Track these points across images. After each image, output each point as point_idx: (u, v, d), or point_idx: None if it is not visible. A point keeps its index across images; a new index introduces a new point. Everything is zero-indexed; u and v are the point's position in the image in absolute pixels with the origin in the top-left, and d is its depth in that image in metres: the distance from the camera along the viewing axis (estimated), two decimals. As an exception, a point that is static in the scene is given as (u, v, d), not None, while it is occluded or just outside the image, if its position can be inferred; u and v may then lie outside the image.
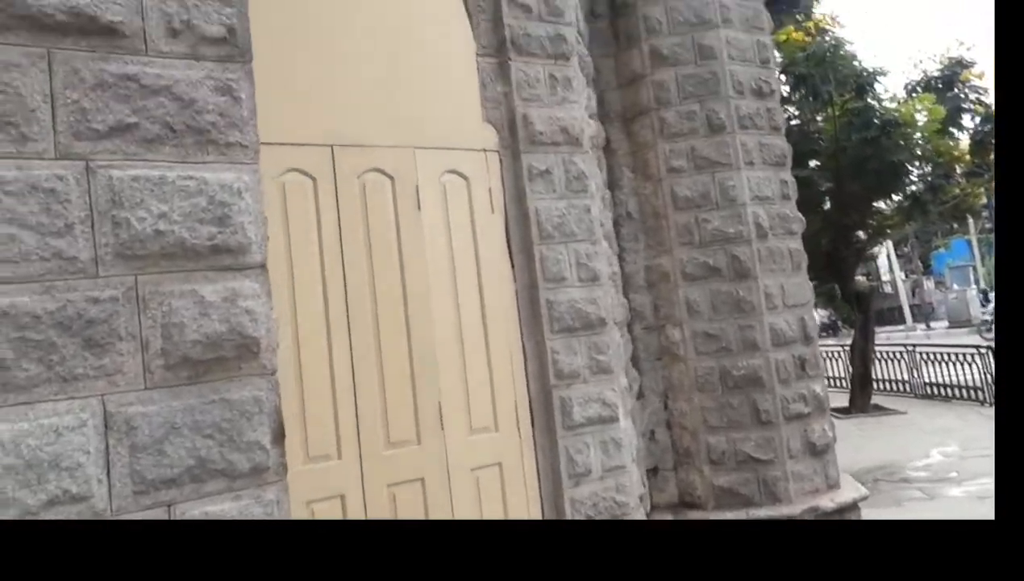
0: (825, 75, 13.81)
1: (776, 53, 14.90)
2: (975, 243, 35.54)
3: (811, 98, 13.92)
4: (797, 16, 16.68)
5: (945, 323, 32.59)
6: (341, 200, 4.40)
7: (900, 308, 34.27)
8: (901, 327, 33.19)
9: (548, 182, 5.04)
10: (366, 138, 4.52)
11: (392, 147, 4.59)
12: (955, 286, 35.21)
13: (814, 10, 17.72)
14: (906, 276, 36.95)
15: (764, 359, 6.34)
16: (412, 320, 4.50)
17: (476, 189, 4.88)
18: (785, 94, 14.71)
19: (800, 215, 7.03)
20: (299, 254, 4.23)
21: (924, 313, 33.83)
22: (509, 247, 4.93)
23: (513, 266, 4.92)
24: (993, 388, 12.70)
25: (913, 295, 36.02)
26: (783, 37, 14.48)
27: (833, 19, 17.51)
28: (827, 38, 15.01)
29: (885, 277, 34.96)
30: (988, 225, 33.90)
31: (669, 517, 6.29)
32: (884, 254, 33.07)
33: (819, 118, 14.91)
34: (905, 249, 36.57)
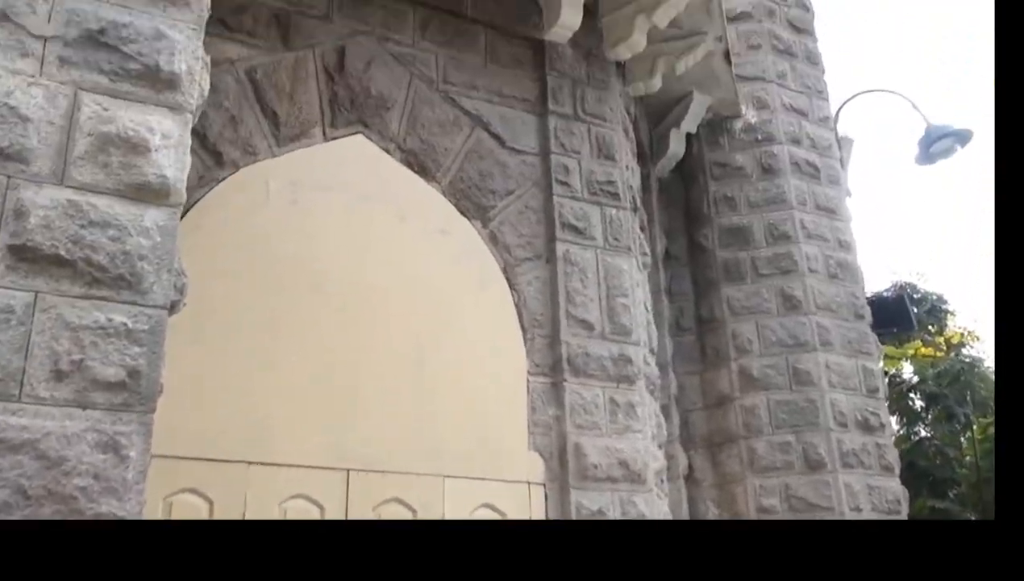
0: (961, 395, 12.72)
1: (906, 366, 14.07)
2: None
3: (944, 420, 12.74)
4: (929, 327, 15.91)
5: None
6: (345, 534, 3.84)
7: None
8: None
9: (598, 524, 4.34)
10: (387, 463, 4.04)
11: (417, 475, 4.08)
12: None
13: (947, 322, 16.91)
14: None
15: None
16: None
17: (510, 528, 4.23)
18: (918, 410, 13.61)
19: (923, 574, 5.88)
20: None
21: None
22: (543, 603, 4.15)
23: (546, 628, 4.10)
24: None
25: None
26: (911, 351, 13.67)
27: (970, 333, 16.56)
28: (962, 354, 14.07)
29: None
30: None
31: None
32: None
33: (963, 439, 13.58)
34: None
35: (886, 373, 13.99)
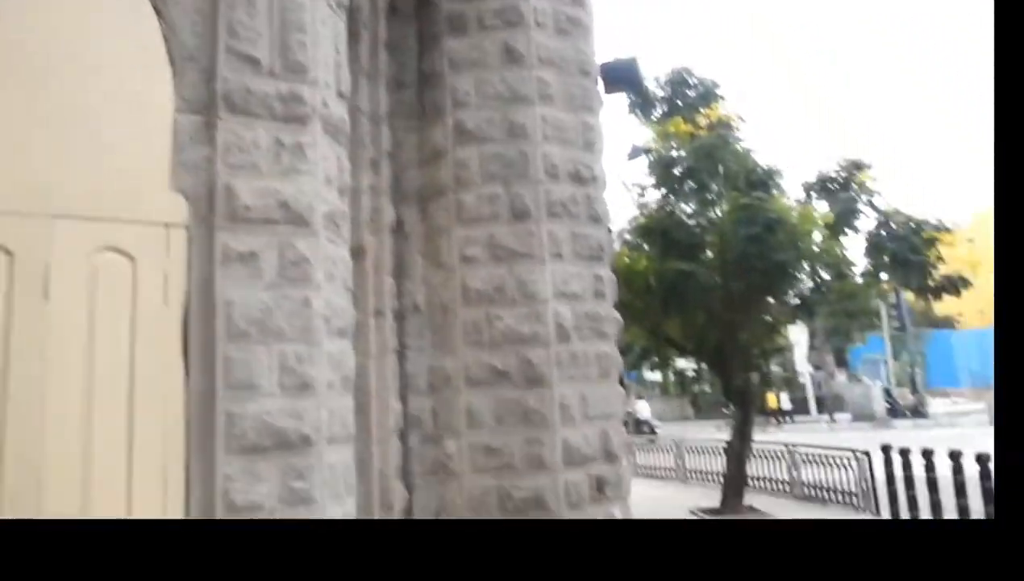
0: (713, 169, 13.36)
1: (653, 142, 14.57)
2: (887, 340, 35.85)
3: (697, 192, 13.44)
4: (699, 109, 16.42)
5: (849, 416, 33.15)
6: (-73, 283, 3.41)
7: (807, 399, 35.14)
8: (809, 417, 34.00)
9: (253, 268, 4.11)
10: (-21, 203, 3.56)
11: (17, 214, 3.63)
12: (865, 380, 36.31)
13: (715, 105, 17.47)
14: (816, 369, 37.53)
15: (551, 479, 5.39)
16: (11, 438, 3.46)
17: (145, 273, 3.92)
18: (675, 184, 14.20)
19: (617, 315, 6.22)
20: None
21: (828, 406, 34.35)
22: (186, 347, 3.95)
23: (188, 372, 3.93)
24: (867, 494, 12.02)
25: (820, 388, 36.77)
26: (672, 128, 14.08)
27: (738, 117, 17.21)
28: (718, 132, 14.62)
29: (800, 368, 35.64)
30: (896, 324, 34.58)
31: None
32: (803, 346, 33.70)
33: (718, 212, 14.39)
34: (816, 343, 36.92)
35: (653, 151, 14.45)
